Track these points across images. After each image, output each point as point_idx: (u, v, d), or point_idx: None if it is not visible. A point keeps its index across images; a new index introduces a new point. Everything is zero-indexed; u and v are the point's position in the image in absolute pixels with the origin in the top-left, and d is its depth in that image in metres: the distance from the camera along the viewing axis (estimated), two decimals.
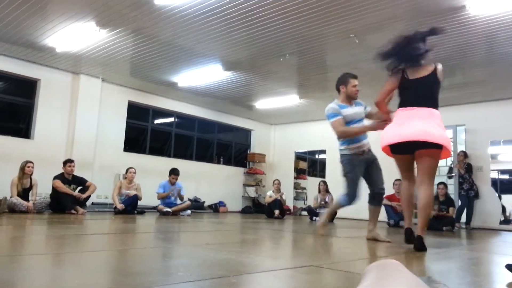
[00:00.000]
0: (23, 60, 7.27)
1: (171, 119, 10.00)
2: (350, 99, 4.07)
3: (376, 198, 3.99)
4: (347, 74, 4.07)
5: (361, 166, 3.96)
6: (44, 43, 6.42)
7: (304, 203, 11.21)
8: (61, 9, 5.23)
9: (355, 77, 4.03)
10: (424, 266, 2.58)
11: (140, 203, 7.30)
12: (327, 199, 8.47)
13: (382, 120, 3.67)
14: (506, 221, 8.31)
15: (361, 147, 3.96)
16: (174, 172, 7.56)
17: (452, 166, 8.37)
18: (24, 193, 6.24)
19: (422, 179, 3.29)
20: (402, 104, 3.40)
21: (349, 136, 3.93)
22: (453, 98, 8.25)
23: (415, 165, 3.45)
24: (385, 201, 7.57)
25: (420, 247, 3.12)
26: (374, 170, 4.00)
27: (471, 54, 5.97)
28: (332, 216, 8.33)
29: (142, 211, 7.26)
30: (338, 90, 4.10)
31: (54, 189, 6.42)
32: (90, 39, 6.13)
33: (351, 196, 3.95)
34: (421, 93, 3.37)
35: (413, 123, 3.24)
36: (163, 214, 7.17)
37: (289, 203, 10.64)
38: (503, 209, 8.44)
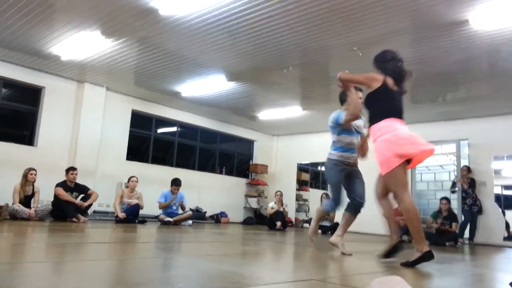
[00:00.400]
0: (29, 68, 7.33)
1: (174, 129, 10.02)
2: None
3: (355, 207, 3.99)
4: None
5: (342, 173, 4.04)
6: (49, 51, 6.48)
7: (306, 215, 11.15)
8: (67, 18, 5.28)
9: (360, 89, 4.03)
10: (427, 282, 2.55)
11: (141, 212, 7.28)
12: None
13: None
14: (510, 237, 8.23)
15: (350, 158, 4.04)
16: (175, 183, 7.55)
17: (455, 180, 8.33)
18: (26, 200, 6.24)
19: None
20: (392, 114, 3.24)
21: (356, 108, 3.78)
22: (457, 112, 8.25)
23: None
24: None
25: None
26: (356, 180, 4.05)
27: (475, 68, 5.97)
28: (334, 227, 8.29)
29: (144, 220, 7.24)
30: (342, 101, 4.09)
31: (56, 197, 6.42)
32: (95, 48, 6.18)
33: (336, 201, 4.02)
34: (402, 107, 3.37)
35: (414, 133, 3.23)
36: (164, 223, 7.14)
37: (291, 215, 10.59)
38: (507, 225, 8.37)
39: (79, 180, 6.82)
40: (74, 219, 6.21)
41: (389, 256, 3.37)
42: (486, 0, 4.19)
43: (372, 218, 8.84)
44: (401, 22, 4.78)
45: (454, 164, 8.48)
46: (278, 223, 8.24)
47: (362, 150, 4.07)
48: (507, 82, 6.40)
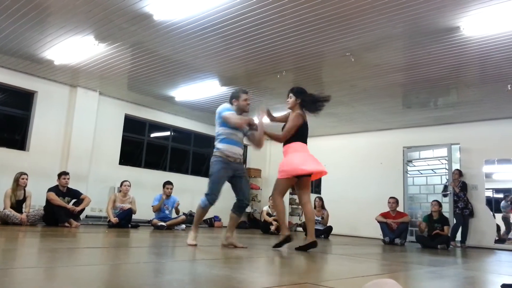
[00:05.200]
0: (21, 72, 7.29)
1: (167, 133, 10.00)
2: (242, 111, 4.32)
3: (240, 207, 4.25)
4: (239, 90, 4.42)
5: (228, 170, 4.12)
6: (42, 55, 6.45)
7: (299, 219, 11.15)
8: (60, 23, 5.27)
9: (246, 92, 4.38)
10: (420, 285, 2.57)
11: (134, 216, 7.24)
12: (322, 215, 8.44)
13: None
14: (500, 240, 8.31)
15: (237, 153, 4.20)
16: (168, 182, 7.56)
17: (447, 184, 8.40)
18: (17, 205, 6.18)
19: (309, 198, 4.43)
20: (300, 139, 4.46)
21: (242, 124, 4.19)
22: (448, 117, 8.34)
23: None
24: (380, 218, 7.56)
25: None
26: (243, 180, 4.24)
27: (466, 74, 6.04)
28: (327, 230, 8.30)
29: (136, 225, 7.20)
30: (231, 104, 4.34)
31: (48, 202, 6.37)
32: (89, 52, 6.17)
33: (211, 196, 4.12)
34: (307, 133, 4.53)
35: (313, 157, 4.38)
36: (158, 228, 7.11)
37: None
38: (498, 228, 8.44)
39: (71, 185, 6.78)
40: (66, 224, 6.17)
41: (280, 246, 4.29)
42: (477, 7, 4.26)
43: (364, 222, 8.92)
44: (393, 28, 4.83)
45: (445, 168, 8.54)
46: (272, 227, 8.25)
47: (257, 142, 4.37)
48: (497, 88, 6.48)
